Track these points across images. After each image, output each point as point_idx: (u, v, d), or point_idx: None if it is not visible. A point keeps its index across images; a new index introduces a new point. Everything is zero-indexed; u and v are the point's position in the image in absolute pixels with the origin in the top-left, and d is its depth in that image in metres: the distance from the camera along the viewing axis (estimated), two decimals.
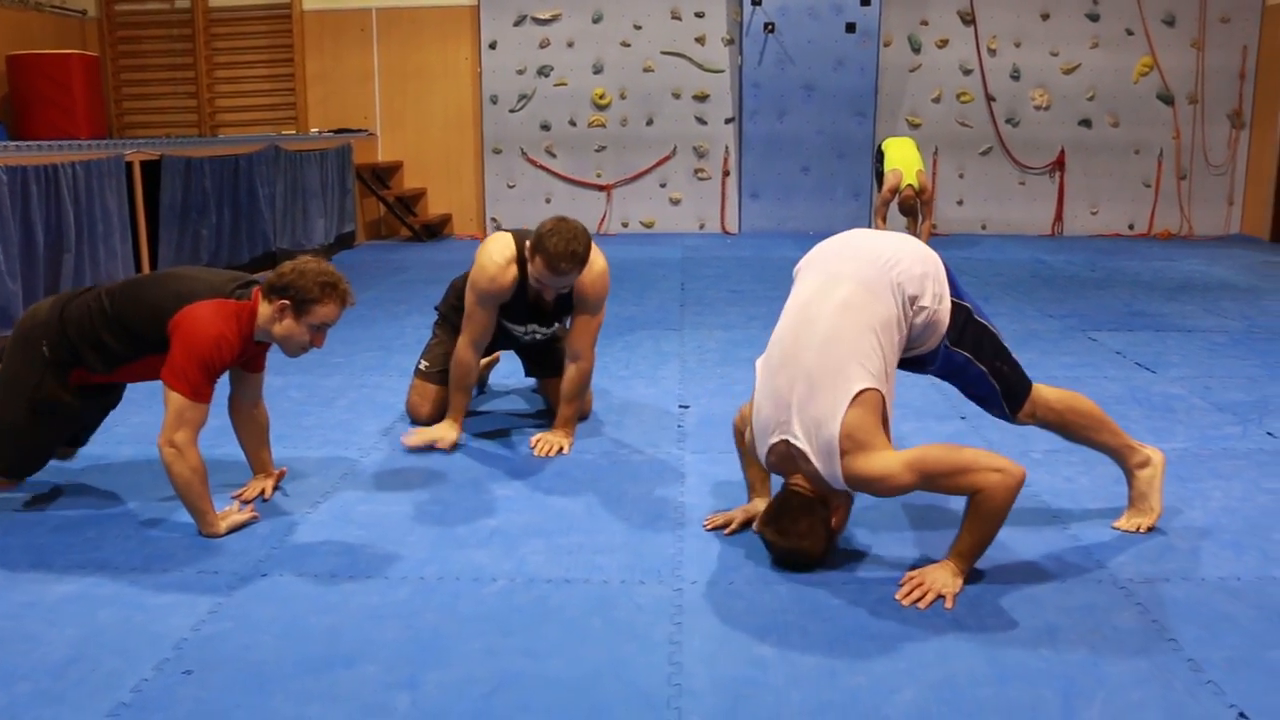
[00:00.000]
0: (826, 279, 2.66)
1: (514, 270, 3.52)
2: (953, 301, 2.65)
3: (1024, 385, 2.78)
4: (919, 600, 2.47)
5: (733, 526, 2.90)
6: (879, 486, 2.50)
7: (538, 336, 3.81)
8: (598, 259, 3.53)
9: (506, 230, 3.67)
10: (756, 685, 2.13)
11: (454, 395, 3.65)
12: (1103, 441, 2.89)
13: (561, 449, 3.58)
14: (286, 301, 2.85)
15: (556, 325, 3.81)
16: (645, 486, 3.27)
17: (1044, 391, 2.82)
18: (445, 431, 3.61)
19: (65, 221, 5.51)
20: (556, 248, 3.27)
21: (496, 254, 3.53)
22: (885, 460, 2.46)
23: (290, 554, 2.78)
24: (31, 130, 8.36)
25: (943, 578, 2.51)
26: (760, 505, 2.88)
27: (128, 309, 2.89)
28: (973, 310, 2.71)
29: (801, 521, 2.58)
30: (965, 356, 2.70)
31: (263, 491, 3.18)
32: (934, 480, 2.48)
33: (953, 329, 2.66)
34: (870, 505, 3.09)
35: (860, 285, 2.58)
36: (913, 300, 2.58)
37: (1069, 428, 2.87)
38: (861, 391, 2.47)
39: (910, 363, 2.74)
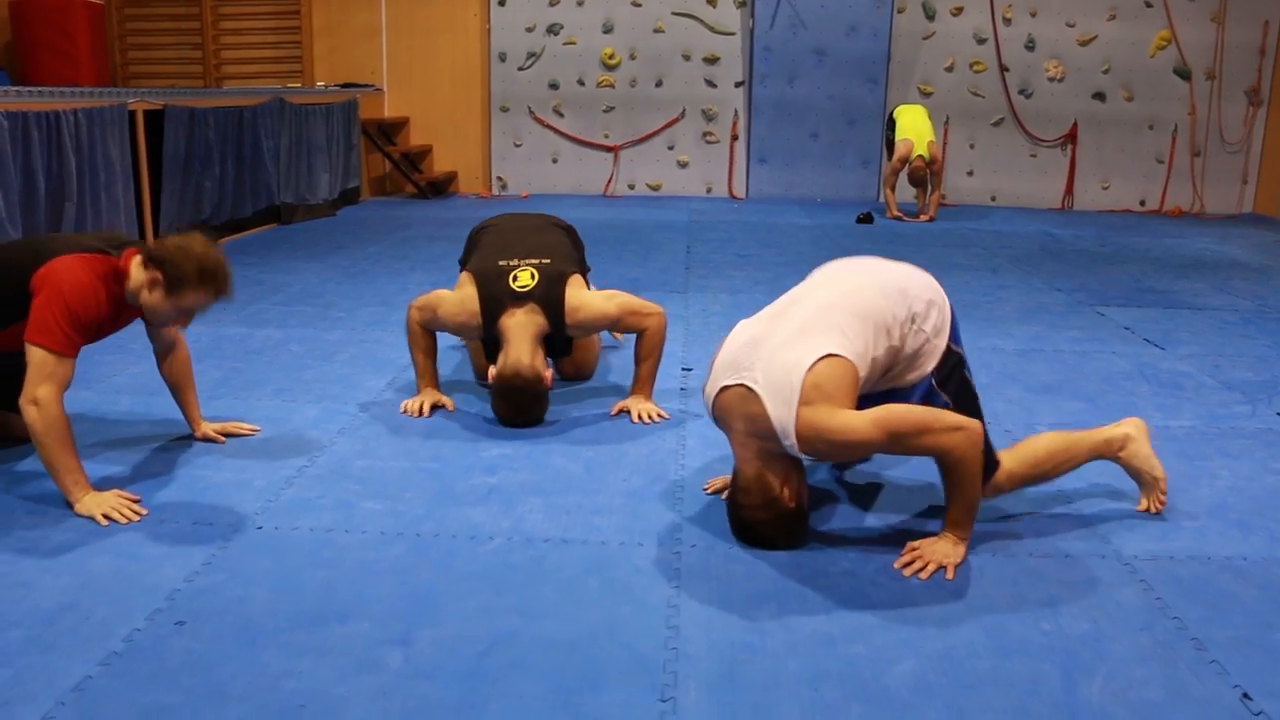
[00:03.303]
0: (836, 275, 2.69)
1: (479, 318, 3.50)
2: (949, 345, 2.60)
3: (991, 459, 2.62)
4: (920, 571, 2.44)
5: None
6: (836, 441, 2.37)
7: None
8: (575, 297, 3.52)
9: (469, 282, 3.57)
10: (754, 651, 2.11)
11: (415, 355, 3.60)
12: (1081, 460, 2.79)
13: (651, 418, 3.51)
14: (160, 275, 2.72)
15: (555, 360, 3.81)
16: (646, 448, 3.25)
17: (1004, 459, 2.68)
18: (424, 399, 3.56)
19: (67, 169, 5.46)
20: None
21: (466, 301, 3.51)
22: (848, 416, 2.36)
23: (285, 507, 2.76)
24: (34, 77, 8.27)
25: (944, 548, 2.48)
26: None
27: None
28: (964, 362, 2.66)
29: (760, 529, 2.53)
30: (945, 401, 2.59)
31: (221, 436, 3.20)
32: (899, 439, 2.38)
33: (942, 369, 2.59)
34: (872, 475, 3.06)
35: (871, 283, 2.60)
36: (913, 319, 2.55)
37: (1043, 476, 2.75)
38: (839, 355, 2.41)
39: (884, 398, 2.61)
